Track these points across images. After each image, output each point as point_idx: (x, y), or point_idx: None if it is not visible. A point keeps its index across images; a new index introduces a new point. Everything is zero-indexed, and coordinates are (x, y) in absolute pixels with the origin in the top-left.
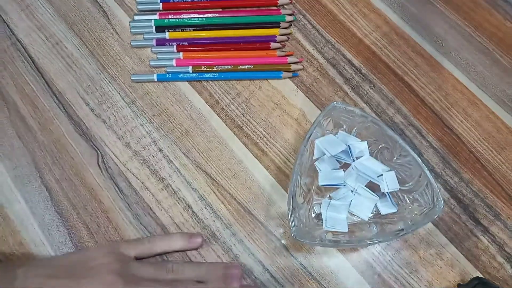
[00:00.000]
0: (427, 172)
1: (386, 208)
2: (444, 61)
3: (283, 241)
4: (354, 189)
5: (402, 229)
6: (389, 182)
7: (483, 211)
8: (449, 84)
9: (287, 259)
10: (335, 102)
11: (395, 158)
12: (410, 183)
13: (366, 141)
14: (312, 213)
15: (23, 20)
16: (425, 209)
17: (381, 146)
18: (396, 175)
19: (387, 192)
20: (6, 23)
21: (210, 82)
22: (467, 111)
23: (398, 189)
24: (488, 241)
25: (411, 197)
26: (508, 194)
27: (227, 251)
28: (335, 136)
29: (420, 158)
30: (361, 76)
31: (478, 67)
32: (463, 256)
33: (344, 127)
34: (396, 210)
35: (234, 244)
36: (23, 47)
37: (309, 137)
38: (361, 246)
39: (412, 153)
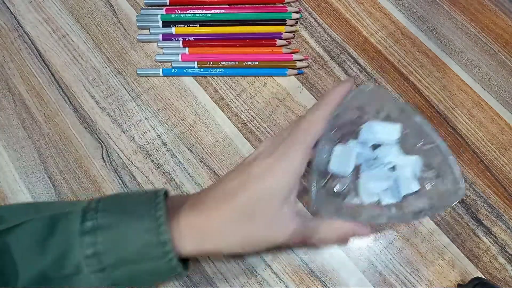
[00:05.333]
0: (451, 158)
1: (408, 188)
2: (449, 62)
3: None
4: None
5: (421, 211)
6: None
7: (486, 212)
8: (454, 85)
9: (289, 255)
10: (371, 85)
11: (420, 144)
12: (433, 170)
13: (399, 124)
14: (333, 189)
15: (30, 12)
16: (445, 194)
17: (406, 132)
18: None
19: (412, 174)
20: (14, 15)
21: (215, 77)
22: (472, 112)
23: (419, 175)
24: (490, 242)
25: (432, 183)
26: (511, 195)
27: None
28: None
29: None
30: (366, 74)
31: (483, 68)
32: (464, 256)
33: (374, 110)
34: (417, 189)
35: None
36: (30, 39)
37: (336, 115)
38: (378, 222)
39: (438, 140)
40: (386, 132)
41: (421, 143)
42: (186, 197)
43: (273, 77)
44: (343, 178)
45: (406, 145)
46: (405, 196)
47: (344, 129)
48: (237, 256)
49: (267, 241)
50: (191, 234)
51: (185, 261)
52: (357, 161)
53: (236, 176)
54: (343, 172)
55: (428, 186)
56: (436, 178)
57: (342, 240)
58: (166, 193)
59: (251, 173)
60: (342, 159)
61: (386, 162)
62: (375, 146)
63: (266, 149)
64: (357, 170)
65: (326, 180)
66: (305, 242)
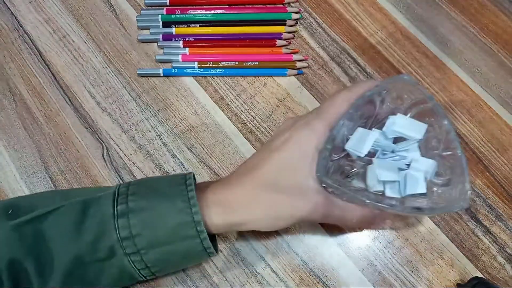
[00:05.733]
0: (466, 171)
1: (414, 188)
2: (449, 62)
3: None
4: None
5: (420, 209)
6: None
7: (485, 212)
8: (454, 85)
9: (289, 255)
10: (405, 76)
11: (440, 149)
12: (446, 178)
13: (426, 125)
14: (344, 168)
15: (31, 13)
16: (448, 201)
17: (430, 134)
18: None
19: (424, 176)
20: (14, 15)
21: (216, 78)
22: (471, 112)
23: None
24: (489, 242)
25: (439, 191)
26: (510, 195)
27: (229, 245)
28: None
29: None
30: (366, 75)
31: (482, 68)
32: (463, 255)
33: (405, 104)
34: (424, 192)
35: (236, 239)
36: (30, 39)
37: (369, 95)
38: (375, 206)
39: (460, 150)
40: (411, 129)
41: (441, 148)
42: (211, 182)
43: (273, 77)
44: (357, 160)
45: (426, 147)
46: (408, 195)
47: (371, 116)
48: (237, 256)
49: (291, 214)
50: (219, 209)
51: (214, 244)
52: (374, 147)
53: (258, 154)
54: (357, 153)
55: (434, 193)
56: (445, 186)
57: (366, 224)
58: (193, 176)
59: (271, 146)
60: (360, 140)
61: (401, 157)
62: (397, 140)
63: (285, 126)
64: (371, 157)
65: (339, 156)
66: (328, 220)
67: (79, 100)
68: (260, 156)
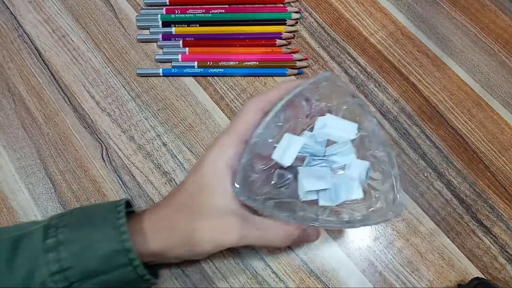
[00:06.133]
0: (396, 170)
1: (350, 194)
2: (449, 62)
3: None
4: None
5: (354, 221)
6: (361, 171)
7: (486, 212)
8: (454, 85)
9: (289, 255)
10: (327, 73)
11: (372, 150)
12: (381, 180)
13: (356, 124)
14: (273, 178)
15: (30, 12)
16: (385, 209)
17: (362, 133)
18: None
19: (358, 180)
20: (14, 15)
21: (215, 77)
22: (472, 112)
23: (366, 182)
24: (490, 242)
25: (377, 195)
26: (511, 195)
27: None
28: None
29: (423, 158)
30: (366, 74)
31: (483, 68)
32: (464, 256)
33: (333, 103)
34: (360, 197)
35: None
36: (30, 39)
37: (289, 99)
38: (303, 224)
39: (389, 149)
40: (342, 129)
41: (374, 148)
42: (152, 206)
43: (273, 77)
44: (288, 168)
45: (360, 147)
46: (345, 202)
47: (299, 119)
48: (237, 256)
49: (208, 238)
50: (141, 237)
51: (154, 269)
52: (303, 153)
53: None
54: (283, 162)
55: (372, 197)
56: (382, 191)
57: (293, 242)
58: (128, 202)
59: (191, 169)
60: (287, 147)
61: (334, 161)
62: (330, 143)
63: None
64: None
65: (268, 166)
66: (247, 242)
67: (78, 100)
68: (182, 180)
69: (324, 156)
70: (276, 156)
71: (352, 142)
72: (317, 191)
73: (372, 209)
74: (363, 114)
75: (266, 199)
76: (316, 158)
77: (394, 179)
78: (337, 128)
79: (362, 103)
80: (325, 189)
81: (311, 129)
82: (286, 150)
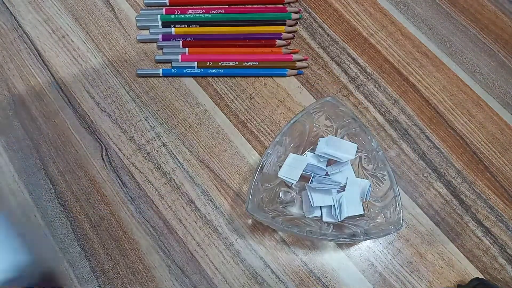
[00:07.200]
0: (397, 189)
1: (351, 210)
2: (449, 62)
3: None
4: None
5: (356, 236)
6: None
7: (486, 212)
8: (454, 85)
9: (288, 256)
10: (329, 97)
11: (373, 168)
12: (380, 197)
13: (356, 144)
14: (279, 195)
15: (30, 13)
16: (384, 223)
17: (361, 154)
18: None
19: (359, 197)
20: (14, 15)
21: (215, 78)
22: (471, 112)
23: (367, 200)
24: (490, 242)
25: (376, 210)
26: (511, 196)
27: (229, 247)
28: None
29: (423, 158)
30: (366, 75)
31: (483, 69)
32: (464, 256)
33: (334, 126)
34: (361, 213)
35: (236, 240)
36: (29, 39)
37: (295, 121)
38: (309, 238)
39: (389, 168)
40: (342, 149)
41: (374, 167)
42: None
43: (273, 78)
44: (292, 186)
45: (359, 167)
46: (346, 218)
47: (303, 140)
48: (237, 257)
49: None
50: None
51: None
52: (307, 172)
53: None
54: (289, 180)
55: (372, 213)
56: (381, 207)
57: None
58: None
59: None
60: (292, 166)
61: (336, 180)
62: (331, 162)
63: None
64: (307, 182)
65: (273, 184)
66: None
67: (78, 100)
68: None
69: (325, 174)
70: (282, 174)
71: (351, 161)
72: (321, 208)
73: (373, 224)
74: (363, 135)
75: (274, 216)
76: (319, 176)
77: (395, 196)
78: (337, 148)
79: (362, 125)
80: (329, 206)
81: (313, 150)
82: (292, 169)
